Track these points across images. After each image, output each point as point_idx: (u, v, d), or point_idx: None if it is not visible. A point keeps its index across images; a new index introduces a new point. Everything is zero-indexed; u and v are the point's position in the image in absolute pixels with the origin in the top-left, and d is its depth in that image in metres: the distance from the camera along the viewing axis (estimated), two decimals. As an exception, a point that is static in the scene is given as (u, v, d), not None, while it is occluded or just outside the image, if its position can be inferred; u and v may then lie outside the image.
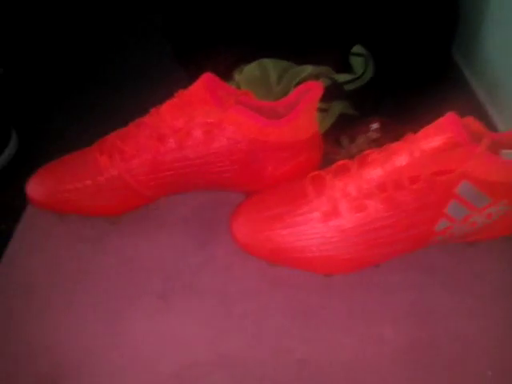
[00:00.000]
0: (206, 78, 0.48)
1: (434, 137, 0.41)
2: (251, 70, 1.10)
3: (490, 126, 0.85)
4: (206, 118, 0.47)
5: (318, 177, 0.46)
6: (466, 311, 0.44)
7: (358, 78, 1.08)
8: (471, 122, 0.43)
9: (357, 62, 1.10)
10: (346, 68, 1.10)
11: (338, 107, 1.08)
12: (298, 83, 1.08)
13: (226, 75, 1.06)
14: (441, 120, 0.42)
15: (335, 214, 0.44)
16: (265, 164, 0.50)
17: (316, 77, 1.10)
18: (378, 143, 1.09)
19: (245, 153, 0.48)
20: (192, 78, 0.73)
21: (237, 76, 1.08)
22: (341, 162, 0.46)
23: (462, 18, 0.99)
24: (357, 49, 1.09)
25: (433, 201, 0.43)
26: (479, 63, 0.97)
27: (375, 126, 1.08)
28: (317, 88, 0.49)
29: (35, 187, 0.50)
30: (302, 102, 0.48)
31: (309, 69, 1.10)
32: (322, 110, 1.06)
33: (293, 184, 0.48)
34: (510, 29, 0.81)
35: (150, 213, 0.52)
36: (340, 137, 1.11)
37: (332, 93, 1.09)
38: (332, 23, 1.07)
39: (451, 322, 0.44)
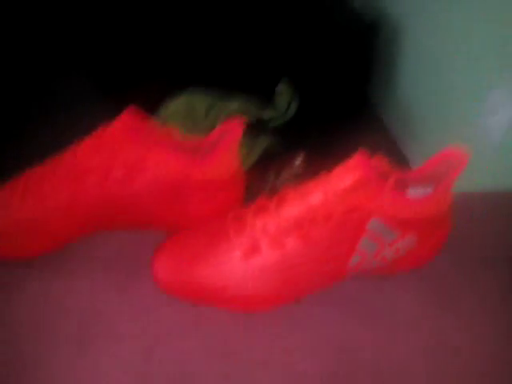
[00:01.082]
0: (128, 115, 0.47)
1: (345, 176, 0.44)
2: (177, 105, 1.11)
3: (402, 159, 0.91)
4: (126, 158, 0.47)
5: (238, 216, 0.47)
6: (376, 341, 0.46)
7: (282, 115, 1.13)
8: (379, 161, 0.47)
9: (281, 100, 1.15)
10: (271, 105, 1.14)
11: (262, 143, 1.11)
12: (225, 118, 1.11)
13: (152, 111, 1.07)
14: (350, 160, 0.45)
15: (255, 251, 0.45)
16: (188, 202, 0.50)
17: (242, 113, 1.13)
18: (301, 178, 1.14)
19: (167, 191, 0.48)
20: (117, 113, 0.72)
21: (162, 111, 1.09)
22: (260, 202, 0.48)
23: (377, 61, 1.08)
24: (281, 87, 1.14)
25: (346, 237, 0.45)
26: (392, 102, 1.05)
27: (298, 161, 1.13)
28: (238, 127, 0.50)
29: None
30: (224, 141, 0.49)
31: (235, 104, 1.13)
32: (246, 146, 1.09)
33: (214, 223, 0.48)
34: (420, 71, 0.89)
35: (66, 254, 0.50)
36: (265, 172, 1.14)
37: (257, 129, 1.12)
38: (257, 62, 1.12)
39: (367, 353, 0.45)
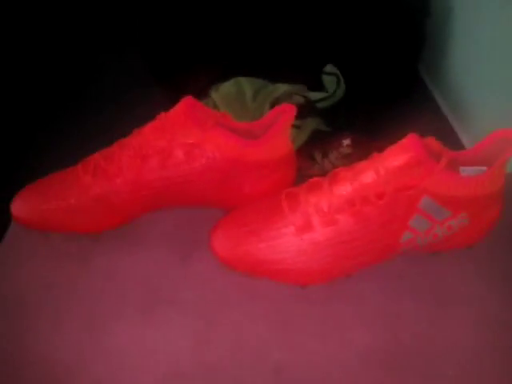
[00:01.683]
0: (186, 101, 0.50)
1: (397, 156, 0.45)
2: (227, 87, 1.14)
3: (454, 139, 0.90)
4: (186, 139, 0.50)
5: (292, 193, 0.49)
6: (429, 316, 0.48)
7: (330, 96, 1.14)
8: (431, 142, 0.47)
9: (329, 81, 1.15)
10: (319, 86, 1.15)
11: (311, 124, 1.13)
12: (273, 101, 1.13)
13: (202, 93, 1.10)
14: (403, 140, 0.46)
15: (308, 228, 0.47)
16: (243, 181, 0.53)
17: (290, 95, 1.15)
18: (349, 158, 1.15)
19: (223, 171, 0.51)
20: (170, 96, 0.76)
21: (213, 93, 1.12)
22: (313, 179, 0.50)
23: (428, 38, 1.05)
24: (328, 68, 1.14)
25: (398, 214, 0.46)
26: (444, 80, 1.03)
27: (347, 141, 1.13)
28: (290, 110, 0.52)
29: (20, 206, 0.52)
30: (277, 124, 0.51)
31: (283, 87, 1.14)
32: (296, 127, 1.11)
33: (269, 200, 0.51)
34: (471, 49, 0.87)
35: (131, 229, 0.54)
36: (313, 152, 1.15)
37: (305, 110, 1.14)
38: (305, 44, 1.12)
39: (416, 325, 0.47)
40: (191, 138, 0.50)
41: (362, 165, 0.48)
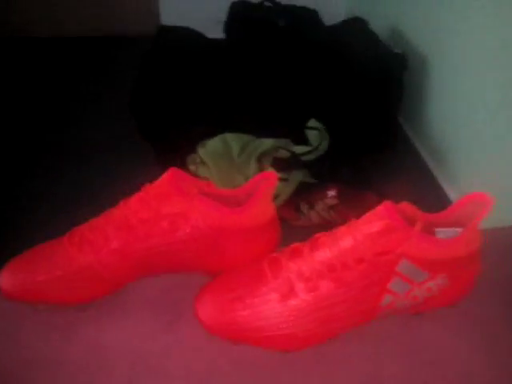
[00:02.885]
0: (171, 172, 0.52)
1: (373, 223, 0.47)
2: (214, 144, 1.17)
3: (437, 188, 0.92)
4: (171, 209, 0.51)
5: (274, 259, 0.50)
6: (412, 378, 0.48)
7: (314, 150, 1.17)
8: (406, 206, 0.49)
9: (312, 135, 1.19)
10: (304, 140, 1.18)
11: (297, 176, 1.15)
12: (259, 155, 1.15)
13: (190, 150, 1.12)
14: (378, 208, 0.48)
15: (291, 294, 0.48)
16: (227, 248, 0.54)
17: (275, 149, 1.18)
18: (335, 209, 1.16)
19: (208, 239, 0.52)
20: (157, 151, 0.77)
21: (200, 150, 1.14)
22: (294, 245, 0.51)
23: (407, 92, 1.10)
24: (311, 123, 1.18)
25: (377, 278, 0.48)
26: (423, 129, 1.07)
27: (332, 193, 1.15)
28: (272, 177, 0.54)
29: (7, 279, 0.52)
30: (259, 191, 0.53)
31: (269, 142, 1.18)
32: (282, 180, 1.13)
33: (252, 267, 0.52)
34: (448, 97, 0.91)
35: (117, 297, 0.55)
36: (299, 204, 1.17)
37: (291, 163, 1.16)
38: (288, 101, 1.17)
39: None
40: (176, 208, 0.51)
41: (341, 231, 0.49)
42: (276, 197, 1.11)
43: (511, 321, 0.53)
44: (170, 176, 0.51)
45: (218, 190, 0.55)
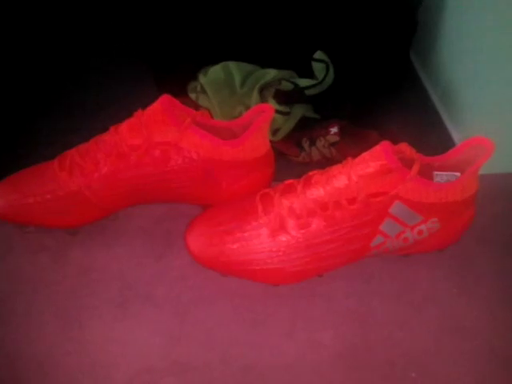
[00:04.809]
0: (164, 99, 0.50)
1: (369, 163, 0.45)
2: (216, 71, 1.13)
3: (443, 129, 0.90)
4: (163, 138, 0.50)
5: (266, 195, 0.50)
6: (398, 318, 0.49)
7: (319, 83, 1.13)
8: (404, 147, 0.48)
9: (318, 68, 1.14)
10: (308, 73, 1.14)
11: (299, 111, 1.12)
12: (262, 86, 1.11)
13: (191, 76, 1.08)
14: (376, 148, 0.46)
15: (282, 230, 0.48)
16: (220, 180, 0.53)
17: (279, 80, 1.13)
18: (337, 146, 1.14)
19: (200, 170, 0.51)
20: (157, 75, 0.74)
21: (201, 78, 1.10)
22: (288, 182, 0.50)
23: (420, 26, 1.04)
24: (318, 55, 1.13)
25: (369, 219, 0.47)
26: (434, 69, 1.02)
27: (334, 129, 1.13)
28: (269, 110, 0.52)
29: (-4, 199, 0.52)
30: (255, 124, 0.51)
31: (272, 72, 1.13)
32: (284, 113, 1.10)
33: (244, 201, 0.51)
34: (464, 38, 0.86)
35: (108, 224, 0.55)
36: (301, 140, 1.15)
37: (294, 96, 1.13)
38: (294, 30, 1.11)
39: (384, 328, 0.48)
40: (168, 137, 0.50)
41: (336, 169, 0.48)
42: (276, 131, 1.09)
43: (497, 265, 0.53)
44: (162, 103, 0.49)
45: (212, 121, 0.53)
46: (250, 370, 0.45)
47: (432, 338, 0.48)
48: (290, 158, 1.16)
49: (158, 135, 0.49)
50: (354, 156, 0.49)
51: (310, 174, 0.49)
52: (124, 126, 0.50)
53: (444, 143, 0.87)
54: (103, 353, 0.46)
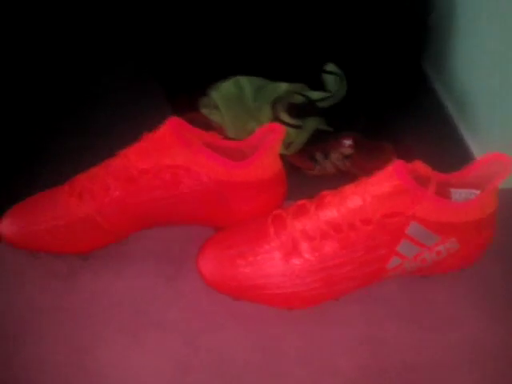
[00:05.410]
0: (172, 122, 0.50)
1: (383, 183, 0.44)
2: (227, 87, 1.13)
3: (457, 139, 0.88)
4: (173, 161, 0.49)
5: (278, 217, 0.49)
6: (416, 342, 0.47)
7: (331, 96, 1.12)
8: (419, 165, 0.46)
9: (330, 80, 1.13)
10: (320, 86, 1.13)
11: (312, 124, 1.11)
12: (274, 100, 1.11)
13: (202, 92, 1.08)
14: (389, 167, 0.45)
15: (295, 253, 0.47)
16: (231, 202, 0.52)
17: (291, 94, 1.13)
18: (351, 159, 1.13)
19: (211, 192, 0.51)
20: (168, 92, 0.73)
21: (213, 93, 1.10)
22: (300, 202, 0.49)
23: (433, 35, 1.03)
24: (330, 67, 1.12)
25: (385, 240, 0.46)
26: (449, 78, 1.00)
27: (348, 142, 1.12)
28: (279, 130, 0.51)
29: (8, 226, 0.52)
30: (265, 144, 0.51)
31: (284, 86, 1.13)
32: (297, 127, 1.09)
33: (256, 223, 0.50)
34: (479, 46, 0.85)
35: (119, 248, 0.54)
36: (314, 153, 1.14)
37: (306, 110, 1.12)
38: (305, 42, 1.10)
39: (402, 352, 0.47)
40: (177, 161, 0.49)
41: (349, 190, 0.47)
42: (289, 144, 1.08)
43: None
44: (170, 126, 0.49)
45: (222, 142, 0.53)
46: (265, 398, 0.44)
47: (453, 359, 0.46)
48: (304, 172, 1.15)
49: (167, 158, 0.49)
50: (369, 169, 0.47)
51: (323, 194, 0.48)
52: (132, 150, 0.50)
53: (461, 155, 0.85)
54: (111, 380, 0.45)
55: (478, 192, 0.48)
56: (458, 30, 0.96)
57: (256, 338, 0.48)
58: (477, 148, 0.84)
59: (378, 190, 0.44)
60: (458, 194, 0.49)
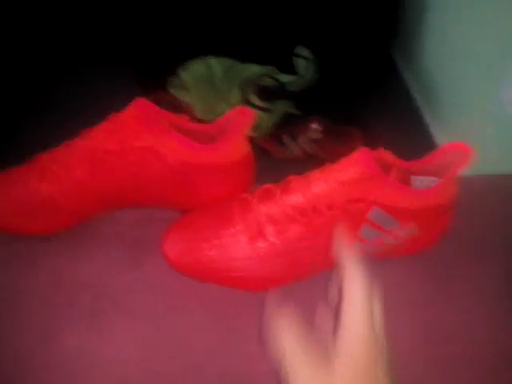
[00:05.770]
0: (139, 103, 0.49)
1: (348, 169, 0.45)
2: (196, 67, 1.10)
3: (425, 129, 0.90)
4: (138, 143, 0.48)
5: (244, 200, 0.49)
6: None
7: (300, 79, 1.11)
8: (383, 153, 0.47)
9: (300, 64, 1.13)
10: (290, 69, 1.12)
11: (281, 107, 1.11)
12: (242, 81, 1.10)
13: (172, 72, 1.06)
14: (354, 154, 0.46)
15: (260, 236, 0.47)
16: (198, 185, 0.52)
17: (260, 76, 1.12)
18: (318, 143, 1.14)
19: (178, 175, 0.50)
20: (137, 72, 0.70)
21: (182, 73, 1.08)
22: (266, 186, 0.49)
23: (403, 24, 1.04)
24: (300, 50, 1.12)
25: (348, 225, 0.47)
26: (418, 69, 1.02)
27: (315, 126, 1.12)
28: (248, 113, 0.51)
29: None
30: (233, 128, 0.50)
31: (253, 68, 1.12)
32: (265, 110, 1.09)
33: (222, 206, 0.50)
34: (448, 37, 0.86)
35: (83, 229, 0.53)
36: (282, 136, 1.14)
37: (276, 93, 1.11)
38: (276, 25, 1.09)
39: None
40: (143, 142, 0.48)
41: (315, 175, 0.47)
42: (258, 127, 1.08)
43: (477, 267, 0.53)
44: (136, 108, 0.48)
45: (189, 125, 0.52)
46: (226, 376, 0.45)
47: (408, 345, 0.48)
48: (272, 155, 1.16)
49: (133, 140, 0.48)
50: (336, 153, 0.48)
51: (289, 178, 0.49)
52: (97, 130, 0.49)
53: (426, 144, 0.87)
54: (77, 364, 0.45)
55: (437, 180, 0.50)
56: (428, 22, 0.97)
57: (218, 321, 0.48)
58: (441, 137, 0.86)
59: (343, 176, 0.45)
60: (419, 181, 0.51)
